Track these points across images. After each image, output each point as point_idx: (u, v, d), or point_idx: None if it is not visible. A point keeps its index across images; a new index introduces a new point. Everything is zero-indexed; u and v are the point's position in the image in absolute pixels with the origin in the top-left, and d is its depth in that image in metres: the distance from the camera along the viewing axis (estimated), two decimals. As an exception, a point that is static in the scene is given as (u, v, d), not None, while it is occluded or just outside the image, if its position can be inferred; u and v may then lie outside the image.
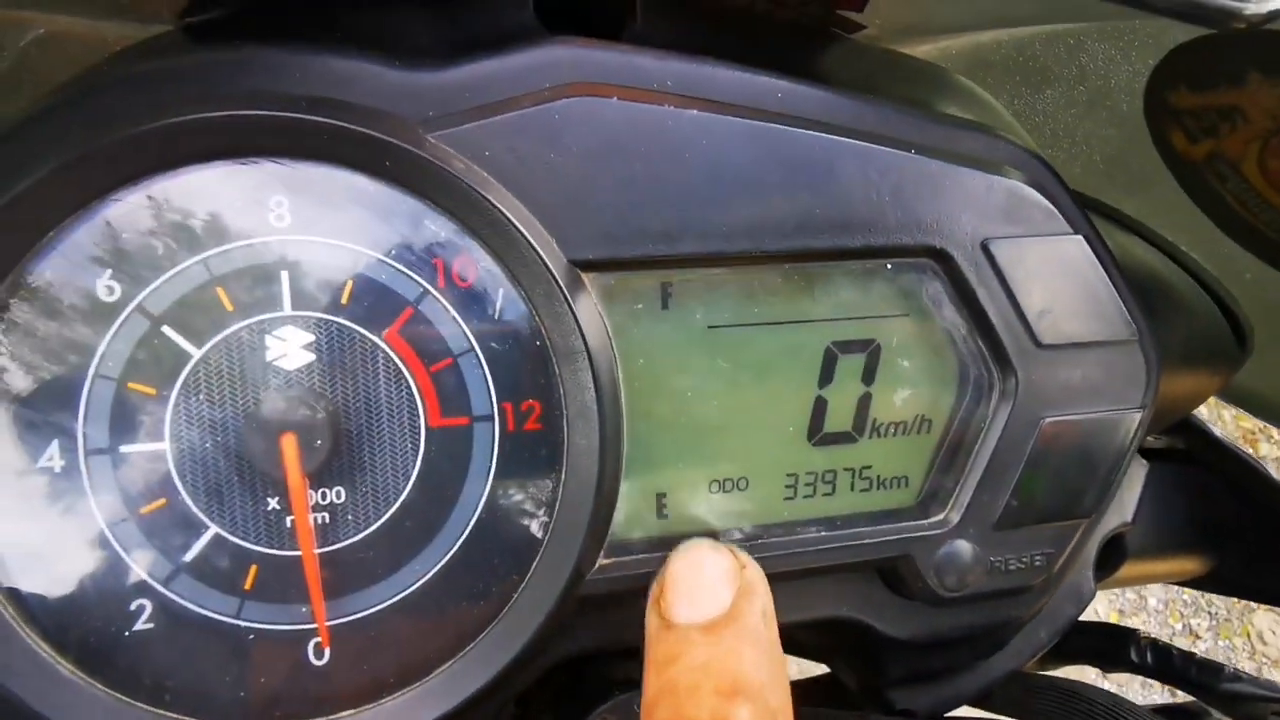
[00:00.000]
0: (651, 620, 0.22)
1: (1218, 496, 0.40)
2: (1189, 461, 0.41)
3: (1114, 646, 0.38)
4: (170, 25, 0.25)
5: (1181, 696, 0.39)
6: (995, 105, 0.33)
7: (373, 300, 0.23)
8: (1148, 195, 0.34)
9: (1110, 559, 0.39)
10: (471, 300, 0.24)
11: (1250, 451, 0.41)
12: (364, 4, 0.26)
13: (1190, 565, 0.42)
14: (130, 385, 0.22)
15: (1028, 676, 0.35)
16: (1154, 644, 0.36)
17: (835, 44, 0.32)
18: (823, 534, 0.26)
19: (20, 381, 0.22)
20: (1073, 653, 0.40)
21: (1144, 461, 0.38)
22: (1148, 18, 0.27)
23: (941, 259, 0.26)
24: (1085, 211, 0.28)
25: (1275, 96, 0.27)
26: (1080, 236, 0.27)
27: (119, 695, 0.22)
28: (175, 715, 0.22)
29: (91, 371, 0.22)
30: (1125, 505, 0.37)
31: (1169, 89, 0.30)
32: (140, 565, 0.23)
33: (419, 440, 0.24)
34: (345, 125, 0.22)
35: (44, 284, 0.22)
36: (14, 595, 0.22)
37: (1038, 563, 0.27)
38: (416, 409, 0.24)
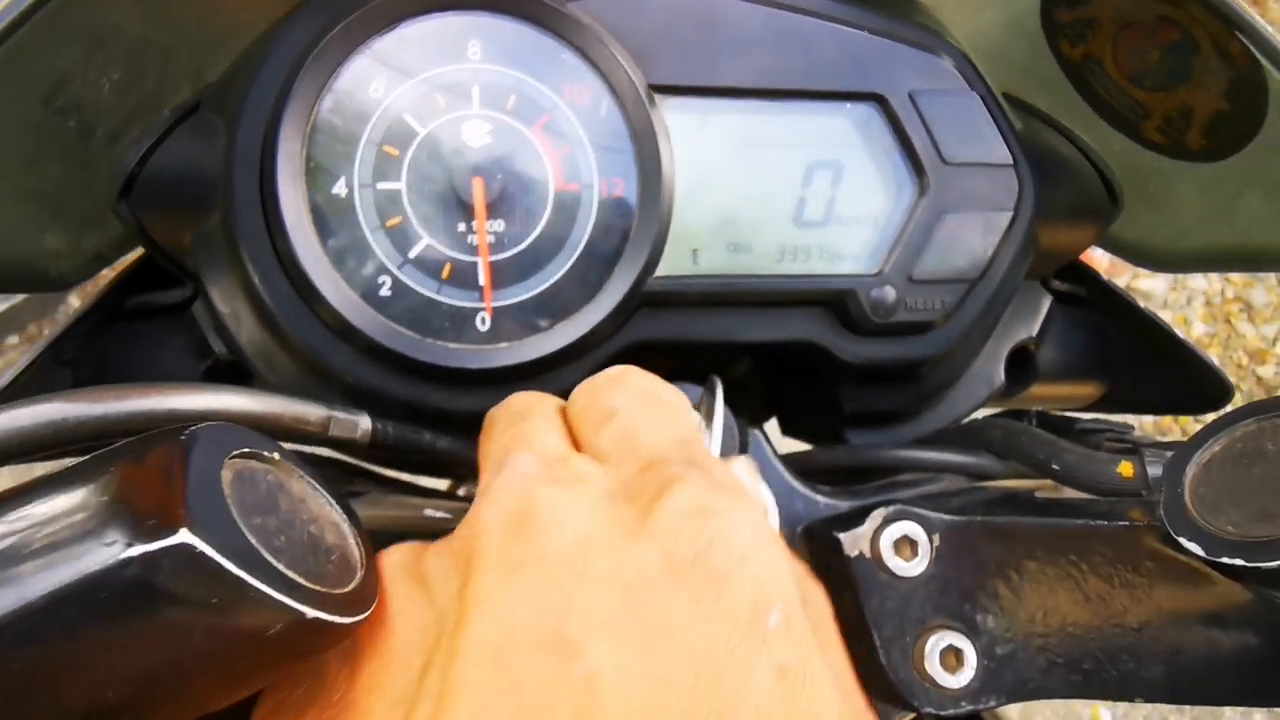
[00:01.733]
0: None
1: (1111, 333, 0.53)
2: (1089, 307, 0.54)
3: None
4: None
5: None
6: (943, 22, 0.47)
7: (526, 107, 0.38)
8: (1051, 93, 0.47)
9: (1022, 373, 0.53)
10: (586, 110, 0.39)
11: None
12: None
13: (1089, 389, 0.55)
14: (384, 148, 0.38)
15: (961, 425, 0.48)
16: (1041, 414, 0.49)
17: None
18: (797, 276, 0.41)
19: (323, 145, 0.37)
20: None
21: (1047, 293, 0.51)
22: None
23: (883, 103, 0.40)
24: (987, 84, 0.42)
25: (1113, 5, 0.40)
26: (975, 93, 0.41)
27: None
28: (400, 327, 0.37)
29: (363, 138, 0.37)
30: (1031, 323, 0.51)
31: (1055, 8, 0.43)
32: (383, 256, 0.38)
33: (548, 196, 0.39)
34: None
35: (345, 88, 0.37)
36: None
37: (938, 307, 0.41)
38: (548, 177, 0.39)
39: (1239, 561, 0.23)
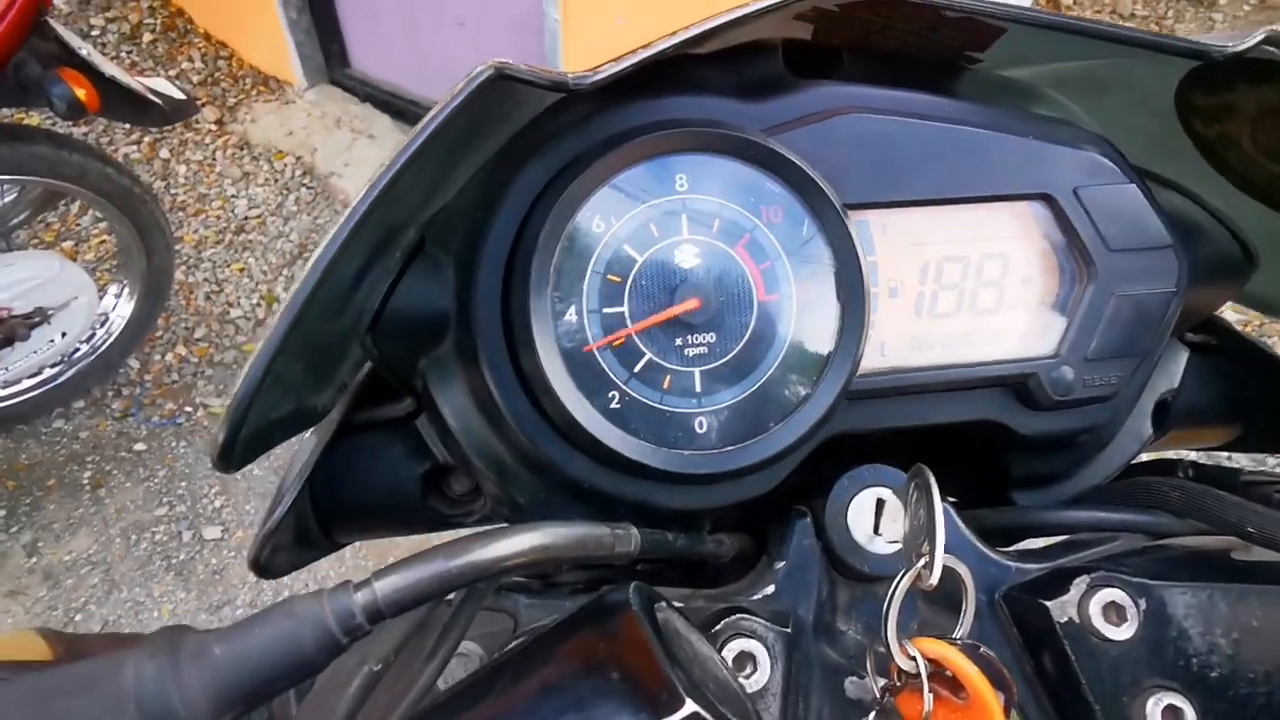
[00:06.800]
0: None
1: (1243, 377, 0.56)
2: (1221, 354, 0.57)
3: (1165, 471, 0.54)
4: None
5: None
6: (1072, 106, 0.50)
7: (730, 230, 0.42)
8: (1181, 163, 0.50)
9: (1162, 420, 0.56)
10: (783, 228, 0.42)
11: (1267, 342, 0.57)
12: (681, 63, 0.45)
13: (1224, 432, 0.58)
14: (609, 276, 0.41)
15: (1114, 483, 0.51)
16: (1195, 464, 0.52)
17: (966, 71, 0.50)
18: (977, 363, 0.44)
19: (559, 273, 0.41)
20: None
21: (1184, 347, 0.54)
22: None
23: (1049, 201, 0.44)
24: (1135, 170, 0.46)
25: (1256, 95, 0.44)
26: (1133, 184, 0.44)
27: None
28: (632, 436, 0.41)
29: (589, 269, 0.41)
30: (1172, 375, 0.54)
31: (1190, 92, 0.47)
32: (612, 372, 0.41)
33: (753, 307, 0.42)
34: (727, 132, 0.41)
35: (577, 228, 0.40)
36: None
37: (1112, 381, 0.44)
38: (751, 290, 0.42)
39: None
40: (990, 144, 0.43)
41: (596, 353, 0.41)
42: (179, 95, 2.06)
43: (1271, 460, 2.11)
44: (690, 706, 0.20)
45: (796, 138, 0.42)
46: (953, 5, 0.37)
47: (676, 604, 0.42)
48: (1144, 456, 0.56)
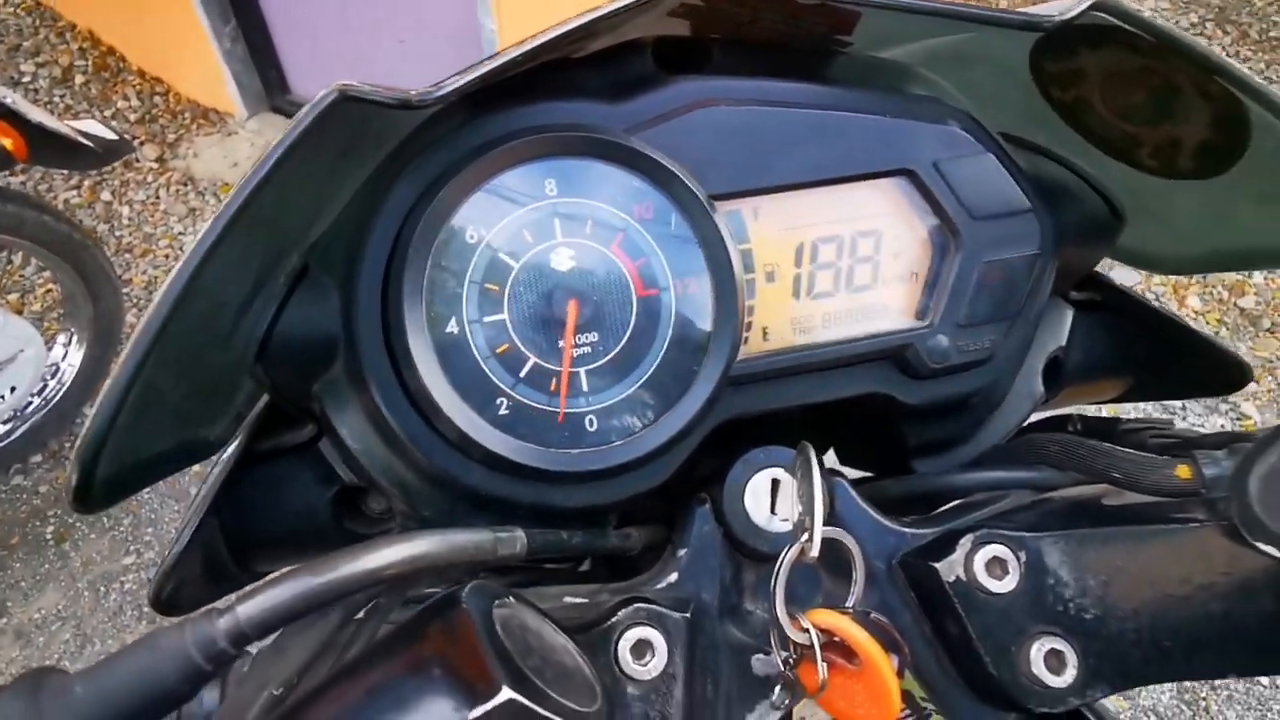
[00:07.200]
0: None
1: (1130, 332, 0.58)
2: (1107, 310, 0.59)
3: (1058, 427, 0.56)
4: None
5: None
6: (940, 82, 0.52)
7: (603, 229, 0.43)
8: (1047, 129, 0.52)
9: (1055, 379, 0.58)
10: (654, 223, 0.43)
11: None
12: (551, 68, 0.45)
13: (1117, 385, 0.60)
14: (487, 285, 0.42)
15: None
16: (1083, 417, 0.54)
17: (839, 56, 0.51)
18: (858, 338, 0.45)
19: (436, 288, 0.41)
20: None
21: (1069, 306, 0.56)
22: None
23: (912, 176, 0.45)
24: (996, 139, 0.47)
25: (1096, 59, 0.46)
26: (990, 154, 0.46)
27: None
28: (522, 441, 0.41)
29: (467, 279, 0.42)
30: (1059, 334, 0.56)
31: (1042, 61, 0.48)
32: (498, 379, 0.42)
33: (632, 304, 0.43)
34: (588, 135, 0.42)
35: (449, 241, 0.41)
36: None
37: (986, 345, 0.46)
38: (629, 287, 0.43)
39: None
40: (849, 125, 0.44)
41: (481, 362, 0.42)
42: (111, 136, 2.03)
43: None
44: (505, 694, 0.21)
45: (660, 133, 0.43)
46: None
47: (577, 600, 0.43)
48: (1042, 415, 0.58)
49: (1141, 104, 0.46)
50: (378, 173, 0.43)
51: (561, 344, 0.42)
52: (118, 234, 2.94)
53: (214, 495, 0.43)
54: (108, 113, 3.27)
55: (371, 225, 0.41)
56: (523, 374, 0.42)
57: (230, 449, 0.45)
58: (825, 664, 0.38)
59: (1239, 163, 0.44)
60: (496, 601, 0.25)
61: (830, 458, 0.60)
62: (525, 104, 0.43)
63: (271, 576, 0.29)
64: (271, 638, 0.38)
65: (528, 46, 0.37)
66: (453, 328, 0.41)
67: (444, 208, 0.41)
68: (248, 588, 0.29)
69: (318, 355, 0.43)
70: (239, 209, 0.30)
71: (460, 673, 0.21)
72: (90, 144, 1.95)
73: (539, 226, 0.42)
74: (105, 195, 3.04)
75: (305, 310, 0.43)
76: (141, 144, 3.18)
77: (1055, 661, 0.38)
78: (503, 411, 0.42)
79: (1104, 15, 0.41)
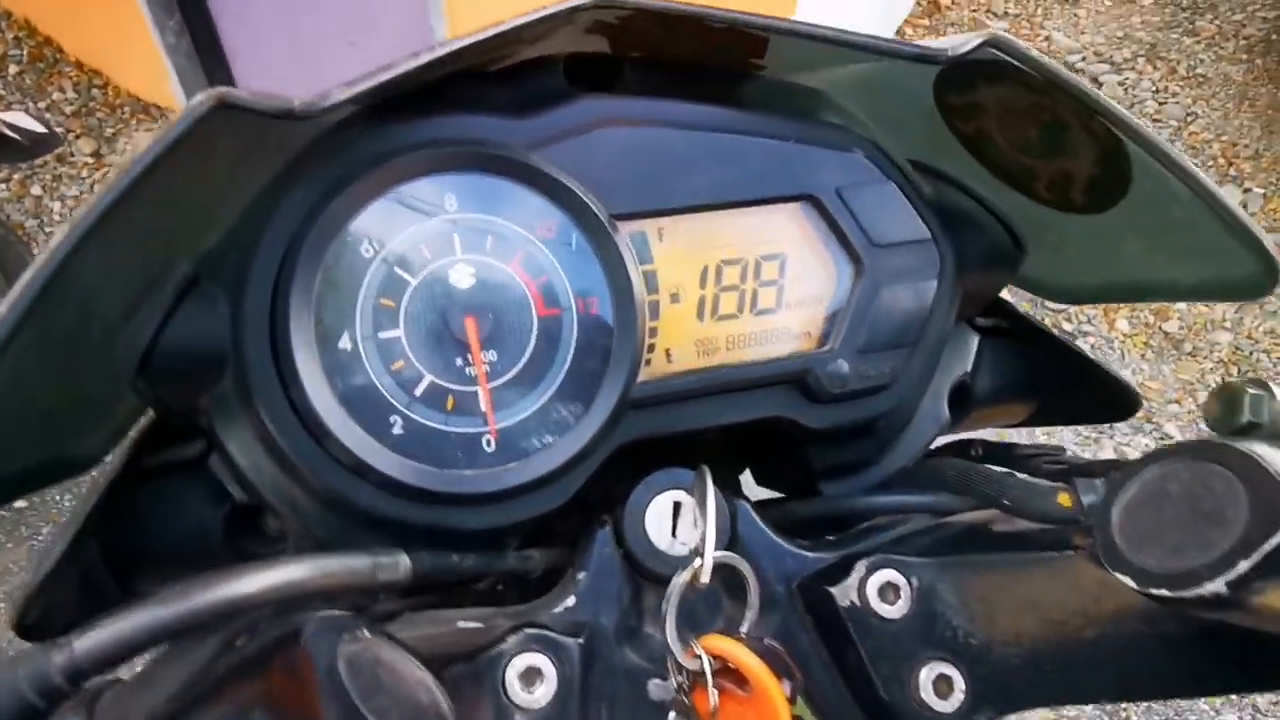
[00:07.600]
0: None
1: (1033, 359, 0.60)
2: (1012, 336, 0.60)
3: (961, 451, 0.57)
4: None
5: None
6: (850, 109, 0.53)
7: (503, 246, 0.42)
8: (952, 159, 0.53)
9: (962, 403, 0.59)
10: (556, 242, 0.43)
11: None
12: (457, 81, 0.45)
13: (1021, 409, 0.62)
14: (381, 300, 0.41)
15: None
16: (984, 442, 0.56)
17: (754, 79, 0.52)
18: (761, 361, 0.46)
19: (328, 306, 0.40)
20: None
21: (975, 332, 0.58)
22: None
23: (815, 202, 0.46)
24: (901, 168, 0.48)
25: (994, 94, 0.47)
26: (892, 183, 0.47)
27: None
28: (415, 461, 0.40)
29: (360, 294, 0.41)
30: (965, 359, 0.57)
31: (945, 93, 0.50)
32: (392, 398, 0.41)
33: (533, 323, 0.43)
34: (487, 151, 0.41)
35: (341, 253, 0.40)
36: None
37: (886, 371, 0.47)
38: (530, 306, 0.43)
39: (1164, 592, 0.29)
40: (753, 149, 0.45)
41: (375, 380, 0.41)
42: (39, 129, 1.94)
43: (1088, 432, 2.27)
44: None
45: (562, 150, 0.42)
46: (671, 10, 0.39)
47: (470, 624, 0.42)
48: (949, 438, 0.59)
49: (1035, 139, 0.47)
50: (275, 181, 0.42)
51: (459, 361, 0.42)
52: (47, 230, 2.82)
53: (90, 513, 0.41)
54: (43, 105, 3.14)
55: (263, 234, 0.40)
56: (418, 392, 0.41)
57: (110, 464, 0.43)
58: (717, 690, 0.38)
59: (1123, 199, 0.46)
60: (345, 635, 0.24)
61: (748, 478, 0.61)
62: (428, 116, 0.42)
63: (115, 608, 0.28)
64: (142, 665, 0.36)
65: (424, 59, 0.37)
66: (345, 343, 0.40)
67: (337, 218, 0.40)
68: (91, 620, 0.28)
69: (205, 369, 0.41)
70: (94, 223, 0.29)
71: (287, 715, 0.20)
72: (16, 136, 1.87)
73: (437, 241, 0.41)
74: (36, 190, 2.92)
75: (192, 321, 0.41)
76: (77, 138, 3.06)
77: (944, 686, 0.38)
78: (396, 430, 0.41)
79: (995, 51, 0.42)
